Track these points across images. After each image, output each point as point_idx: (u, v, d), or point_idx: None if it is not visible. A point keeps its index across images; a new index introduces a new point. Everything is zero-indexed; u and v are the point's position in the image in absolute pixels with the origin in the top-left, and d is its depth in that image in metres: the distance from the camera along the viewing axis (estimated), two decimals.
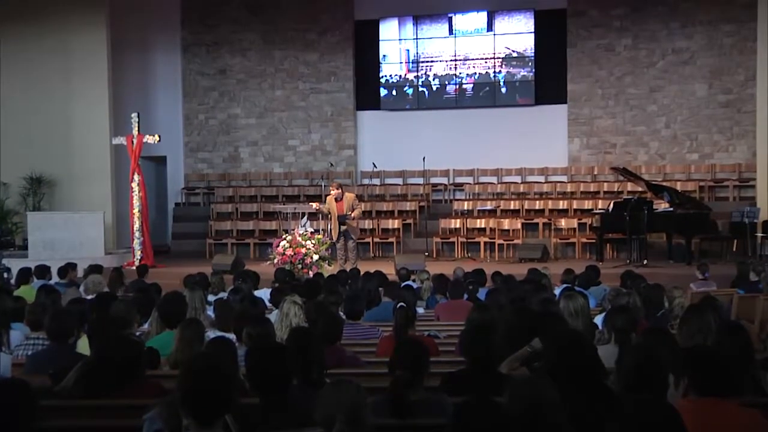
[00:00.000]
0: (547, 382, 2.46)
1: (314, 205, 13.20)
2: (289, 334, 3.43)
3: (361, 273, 9.67)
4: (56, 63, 16.15)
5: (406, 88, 17.56)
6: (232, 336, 5.39)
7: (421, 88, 17.52)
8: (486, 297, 6.68)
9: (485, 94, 17.24)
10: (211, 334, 5.32)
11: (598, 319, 5.90)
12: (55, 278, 10.47)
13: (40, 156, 15.99)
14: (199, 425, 2.36)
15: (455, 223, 16.00)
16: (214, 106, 18.22)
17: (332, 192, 12.86)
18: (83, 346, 4.82)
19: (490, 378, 3.67)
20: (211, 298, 7.89)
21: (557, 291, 8.23)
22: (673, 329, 5.05)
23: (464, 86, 17.33)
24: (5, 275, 10.29)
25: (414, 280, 9.58)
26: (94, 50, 16.17)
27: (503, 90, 17.16)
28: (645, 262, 13.00)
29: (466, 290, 8.22)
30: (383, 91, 17.65)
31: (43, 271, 10.34)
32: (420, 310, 8.08)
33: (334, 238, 12.68)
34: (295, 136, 18.05)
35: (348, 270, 10.83)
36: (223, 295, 8.79)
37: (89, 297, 7.41)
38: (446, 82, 17.38)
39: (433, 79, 17.43)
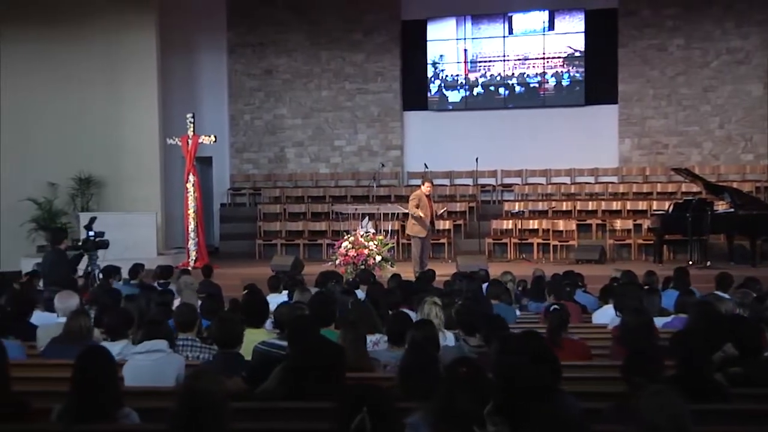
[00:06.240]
0: None
1: (409, 206, 12.21)
2: (525, 336, 3.35)
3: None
4: (105, 64, 16.09)
5: (464, 87, 17.43)
6: (375, 338, 5.33)
7: (476, 89, 17.40)
8: (615, 301, 6.56)
9: (538, 94, 17.12)
10: None
11: None
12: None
13: (89, 156, 15.93)
14: None
15: (507, 224, 15.88)
16: (260, 107, 18.16)
17: (426, 188, 12.22)
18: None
19: (705, 383, 3.57)
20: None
21: None
22: None
23: (520, 86, 17.20)
24: (100, 276, 10.20)
25: None
26: (143, 51, 16.12)
27: (555, 90, 17.04)
28: (708, 263, 12.88)
29: (563, 292, 8.13)
30: (448, 93, 17.50)
31: (113, 272, 10.30)
32: (516, 312, 8.02)
33: (424, 234, 12.12)
34: (341, 137, 17.97)
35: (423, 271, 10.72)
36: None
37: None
38: (505, 82, 17.24)
39: (500, 79, 17.25)
